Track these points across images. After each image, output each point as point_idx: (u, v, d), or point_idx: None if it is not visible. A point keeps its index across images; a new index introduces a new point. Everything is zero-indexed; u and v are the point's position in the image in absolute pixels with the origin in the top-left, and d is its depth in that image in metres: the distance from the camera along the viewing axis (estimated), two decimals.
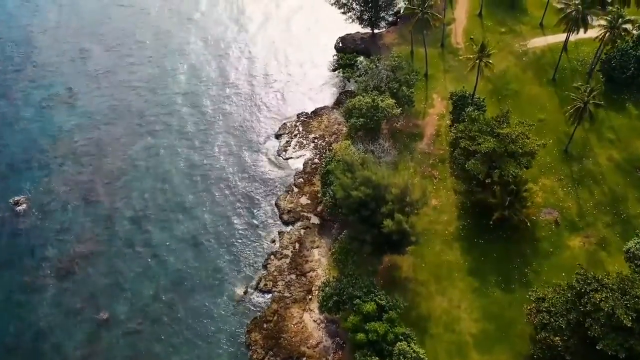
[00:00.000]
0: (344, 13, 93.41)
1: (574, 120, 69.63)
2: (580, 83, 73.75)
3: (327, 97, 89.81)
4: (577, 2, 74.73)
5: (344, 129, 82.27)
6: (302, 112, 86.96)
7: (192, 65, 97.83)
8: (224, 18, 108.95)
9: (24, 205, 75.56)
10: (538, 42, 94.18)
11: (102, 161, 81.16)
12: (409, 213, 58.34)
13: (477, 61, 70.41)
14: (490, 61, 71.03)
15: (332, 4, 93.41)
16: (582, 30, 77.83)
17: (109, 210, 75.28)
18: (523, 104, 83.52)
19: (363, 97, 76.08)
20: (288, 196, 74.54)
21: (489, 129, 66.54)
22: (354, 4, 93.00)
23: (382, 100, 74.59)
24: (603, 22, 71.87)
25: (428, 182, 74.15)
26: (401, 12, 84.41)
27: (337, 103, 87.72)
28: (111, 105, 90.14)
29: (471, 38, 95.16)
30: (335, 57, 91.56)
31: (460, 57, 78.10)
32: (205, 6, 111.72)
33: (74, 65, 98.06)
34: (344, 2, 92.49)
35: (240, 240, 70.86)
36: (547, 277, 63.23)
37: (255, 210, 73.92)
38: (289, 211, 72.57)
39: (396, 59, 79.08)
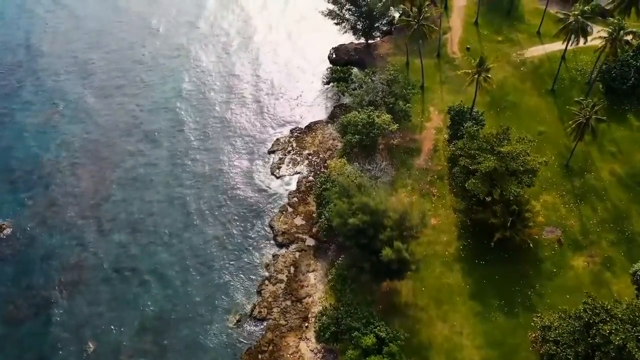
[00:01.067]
0: (337, 24, 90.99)
1: (576, 136, 67.60)
2: (582, 98, 71.66)
3: (321, 111, 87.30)
4: (576, 12, 72.65)
5: (339, 144, 79.84)
6: (295, 127, 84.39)
7: (178, 80, 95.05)
8: (211, 32, 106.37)
9: (8, 230, 72.59)
10: (536, 51, 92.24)
11: (88, 182, 78.22)
12: (408, 238, 56.03)
13: (476, 76, 68.05)
14: (489, 75, 68.76)
15: (325, 15, 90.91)
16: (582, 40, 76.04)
17: (95, 233, 72.38)
18: (522, 116, 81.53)
19: (358, 112, 73.72)
20: (282, 216, 72.00)
21: (489, 147, 64.35)
22: (347, 14, 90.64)
23: (378, 116, 72.26)
24: (604, 34, 69.81)
25: (426, 200, 72.09)
26: (396, 21, 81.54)
27: (332, 117, 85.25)
28: (97, 122, 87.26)
29: (467, 48, 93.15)
30: (328, 69, 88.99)
31: (458, 71, 75.73)
32: (193, 23, 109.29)
33: (59, 82, 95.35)
34: (337, 12, 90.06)
35: (232, 264, 68.21)
36: (552, 299, 61.08)
37: (248, 232, 71.27)
38: (283, 232, 70.05)
39: (392, 72, 76.65)
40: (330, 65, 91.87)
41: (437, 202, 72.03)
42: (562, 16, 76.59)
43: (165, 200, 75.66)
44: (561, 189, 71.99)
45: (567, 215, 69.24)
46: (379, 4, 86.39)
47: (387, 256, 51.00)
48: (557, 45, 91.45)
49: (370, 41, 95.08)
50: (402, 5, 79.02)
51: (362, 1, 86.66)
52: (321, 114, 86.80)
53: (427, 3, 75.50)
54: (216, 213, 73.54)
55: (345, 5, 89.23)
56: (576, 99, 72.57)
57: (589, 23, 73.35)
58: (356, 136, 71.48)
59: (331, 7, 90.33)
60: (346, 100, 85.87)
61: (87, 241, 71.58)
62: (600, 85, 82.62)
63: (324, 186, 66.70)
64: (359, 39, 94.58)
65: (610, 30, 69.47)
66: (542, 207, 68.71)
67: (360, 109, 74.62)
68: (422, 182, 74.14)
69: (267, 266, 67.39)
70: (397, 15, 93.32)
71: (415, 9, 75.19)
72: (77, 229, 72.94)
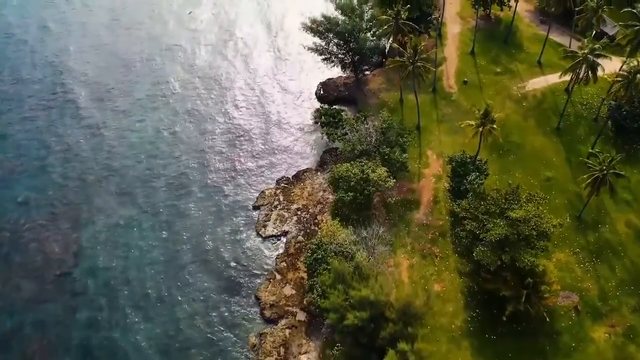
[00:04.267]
0: (325, 60, 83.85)
1: (592, 191, 61.46)
2: (597, 150, 65.62)
3: (309, 157, 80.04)
4: (586, 51, 66.48)
5: (330, 196, 72.85)
6: (282, 177, 76.97)
7: (157, 121, 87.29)
8: (189, 68, 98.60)
9: None
10: (537, 83, 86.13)
11: (52, 248, 70.19)
12: (413, 324, 49.31)
13: (480, 128, 61.53)
14: (495, 126, 62.24)
15: (310, 50, 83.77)
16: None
17: (62, 310, 64.59)
18: (527, 159, 75.32)
19: (351, 165, 66.85)
20: (270, 285, 64.83)
21: (497, 210, 57.90)
22: (335, 49, 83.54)
23: (372, 171, 65.44)
24: (619, 79, 63.70)
25: (428, 261, 65.50)
26: (387, 51, 74.37)
27: (321, 164, 78.18)
28: (63, 174, 79.06)
29: (465, 81, 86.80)
30: (316, 111, 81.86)
31: (461, 124, 68.62)
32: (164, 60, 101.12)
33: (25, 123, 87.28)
34: (324, 47, 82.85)
35: (214, 346, 60.69)
36: None
37: (231, 305, 63.87)
38: (271, 305, 62.88)
39: (386, 118, 69.67)
40: (318, 104, 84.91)
41: (440, 264, 65.42)
42: (568, 53, 70.49)
43: (138, 268, 67.84)
44: (574, 245, 65.84)
45: (583, 276, 63.12)
46: (370, 42, 79.48)
47: None
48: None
49: (360, 75, 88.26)
50: (395, 45, 72.12)
51: (350, 37, 79.61)
52: (309, 161, 79.58)
53: (423, 43, 68.69)
54: (196, 283, 66.05)
55: (333, 40, 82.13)
56: (591, 150, 66.71)
57: (600, 62, 67.15)
58: (349, 194, 64.65)
59: (317, 41, 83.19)
60: (336, 144, 78.83)
61: (52, 320, 63.59)
62: (609, 122, 76.84)
63: (314, 255, 59.82)
64: (347, 73, 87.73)
65: (625, 73, 63.39)
66: (556, 267, 62.66)
67: (352, 162, 67.76)
68: (423, 240, 67.47)
69: (253, 347, 60.16)
70: (388, 45, 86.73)
71: (410, 50, 68.43)
72: (42, 304, 64.94)
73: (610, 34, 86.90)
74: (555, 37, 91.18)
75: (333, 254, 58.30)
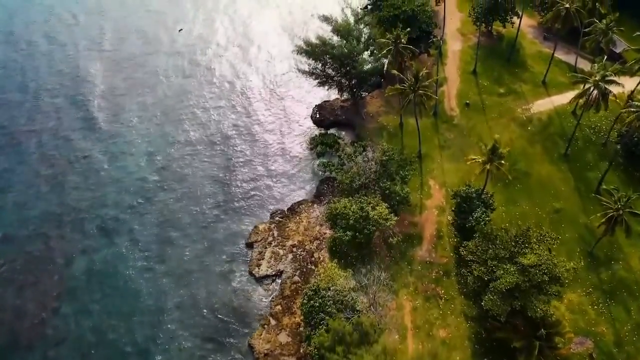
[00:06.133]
0: (321, 84, 79.66)
1: (606, 230, 57.71)
2: (613, 187, 61.65)
3: (305, 187, 75.78)
4: (597, 78, 62.73)
5: (327, 231, 68.79)
6: (276, 210, 72.67)
7: (145, 149, 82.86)
8: (178, 92, 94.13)
9: None
10: (543, 104, 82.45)
11: (31, 291, 65.76)
12: None
13: (487, 165, 57.63)
14: (503, 162, 58.33)
15: (304, 74, 79.60)
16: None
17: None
18: (534, 188, 71.53)
19: (349, 201, 62.88)
20: (264, 332, 60.69)
21: (507, 254, 54.07)
22: (331, 71, 79.38)
23: (372, 208, 61.47)
24: (633, 109, 60.02)
25: (432, 304, 61.56)
26: (386, 90, 70.38)
27: (318, 195, 74.03)
28: (43, 210, 74.61)
29: (467, 103, 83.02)
30: (312, 138, 77.80)
31: (466, 160, 64.67)
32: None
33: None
34: (320, 70, 78.57)
35: None
36: None
37: (223, 355, 59.56)
38: (265, 354, 58.75)
39: (386, 150, 65.57)
40: (314, 129, 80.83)
41: (446, 306, 61.49)
42: (577, 79, 66.79)
43: (122, 313, 63.39)
44: (587, 284, 62.04)
45: (597, 319, 59.33)
46: (368, 66, 75.43)
47: None
48: (566, 97, 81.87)
49: (358, 97, 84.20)
50: (395, 72, 68.09)
51: (347, 61, 75.43)
52: (305, 191, 75.34)
53: (425, 71, 64.69)
54: (184, 329, 61.74)
55: (328, 61, 77.95)
56: (604, 186, 62.91)
57: (611, 89, 63.45)
58: (348, 232, 60.70)
59: (313, 64, 78.99)
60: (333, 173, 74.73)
61: None
62: (618, 147, 73.17)
63: (311, 302, 55.79)
64: (344, 95, 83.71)
65: (638, 104, 59.73)
66: (567, 309, 59.06)
67: (351, 197, 63.79)
68: (426, 280, 63.54)
69: None
70: (387, 64, 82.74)
71: (411, 77, 64.45)
72: (13, 355, 60.47)
73: (618, 51, 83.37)
74: (561, 55, 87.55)
75: (331, 302, 54.32)
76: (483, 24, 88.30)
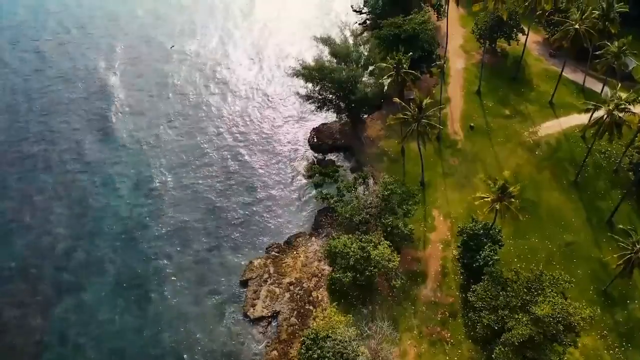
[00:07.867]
0: (319, 108, 75.93)
1: (624, 273, 54.20)
2: (629, 227, 58.04)
3: (302, 219, 71.83)
4: (610, 107, 59.18)
5: (326, 267, 65.08)
6: (272, 244, 68.70)
7: (133, 178, 78.70)
8: (169, 115, 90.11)
9: None
10: (551, 127, 78.91)
11: (12, 335, 61.93)
12: None
13: (497, 204, 53.96)
14: (513, 199, 54.64)
15: (301, 98, 75.90)
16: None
17: None
18: (543, 219, 67.94)
19: (349, 239, 59.21)
20: None
21: (519, 303, 50.52)
22: (329, 94, 75.63)
23: (374, 247, 57.81)
24: None
25: (438, 349, 57.96)
26: (388, 120, 66.49)
27: (316, 227, 70.20)
28: (27, 242, 70.71)
29: (471, 126, 79.51)
30: (309, 165, 74.05)
31: (474, 198, 60.64)
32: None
33: None
34: (318, 93, 74.78)
35: None
36: None
37: None
38: None
39: (388, 187, 61.79)
40: (311, 154, 77.08)
41: (452, 352, 57.81)
42: (590, 107, 63.22)
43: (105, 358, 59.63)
44: (602, 326, 58.43)
45: None
46: (369, 89, 71.70)
47: None
48: (574, 119, 78.76)
49: (357, 120, 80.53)
50: (397, 100, 64.36)
51: (348, 85, 71.64)
52: (302, 223, 71.39)
53: (428, 100, 60.97)
54: None
55: (327, 85, 74.20)
56: (621, 226, 59.27)
57: (625, 120, 59.89)
58: (348, 274, 57.08)
59: (310, 87, 75.24)
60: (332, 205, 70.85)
61: None
62: (631, 174, 69.77)
63: (309, 352, 52.09)
64: (343, 119, 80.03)
65: None
66: (582, 355, 55.58)
67: (351, 234, 60.14)
68: (431, 322, 59.87)
69: None
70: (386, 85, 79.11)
71: (414, 107, 60.80)
72: None
73: (628, 69, 79.83)
74: (568, 73, 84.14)
75: (331, 354, 50.69)
76: (487, 41, 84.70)
